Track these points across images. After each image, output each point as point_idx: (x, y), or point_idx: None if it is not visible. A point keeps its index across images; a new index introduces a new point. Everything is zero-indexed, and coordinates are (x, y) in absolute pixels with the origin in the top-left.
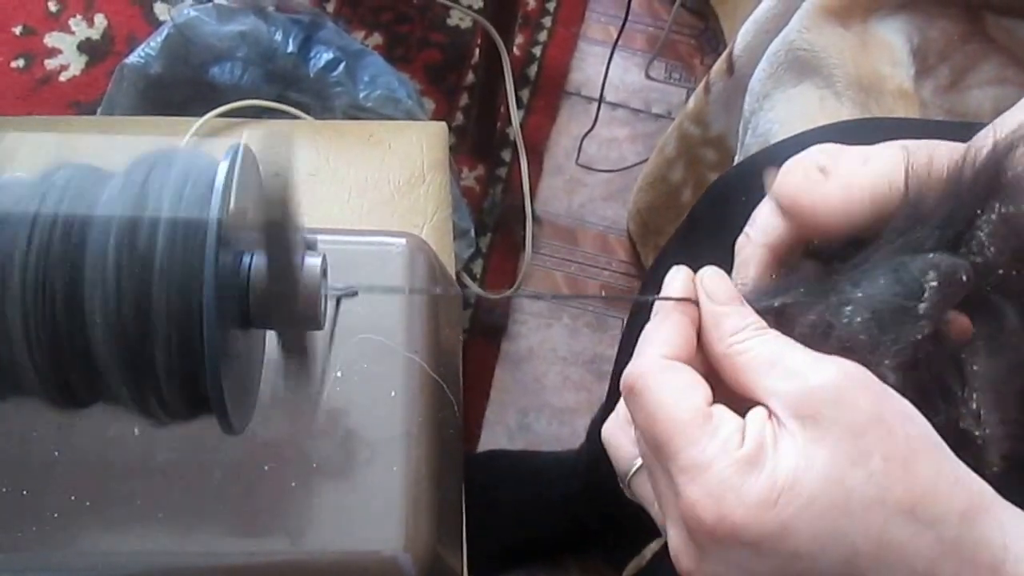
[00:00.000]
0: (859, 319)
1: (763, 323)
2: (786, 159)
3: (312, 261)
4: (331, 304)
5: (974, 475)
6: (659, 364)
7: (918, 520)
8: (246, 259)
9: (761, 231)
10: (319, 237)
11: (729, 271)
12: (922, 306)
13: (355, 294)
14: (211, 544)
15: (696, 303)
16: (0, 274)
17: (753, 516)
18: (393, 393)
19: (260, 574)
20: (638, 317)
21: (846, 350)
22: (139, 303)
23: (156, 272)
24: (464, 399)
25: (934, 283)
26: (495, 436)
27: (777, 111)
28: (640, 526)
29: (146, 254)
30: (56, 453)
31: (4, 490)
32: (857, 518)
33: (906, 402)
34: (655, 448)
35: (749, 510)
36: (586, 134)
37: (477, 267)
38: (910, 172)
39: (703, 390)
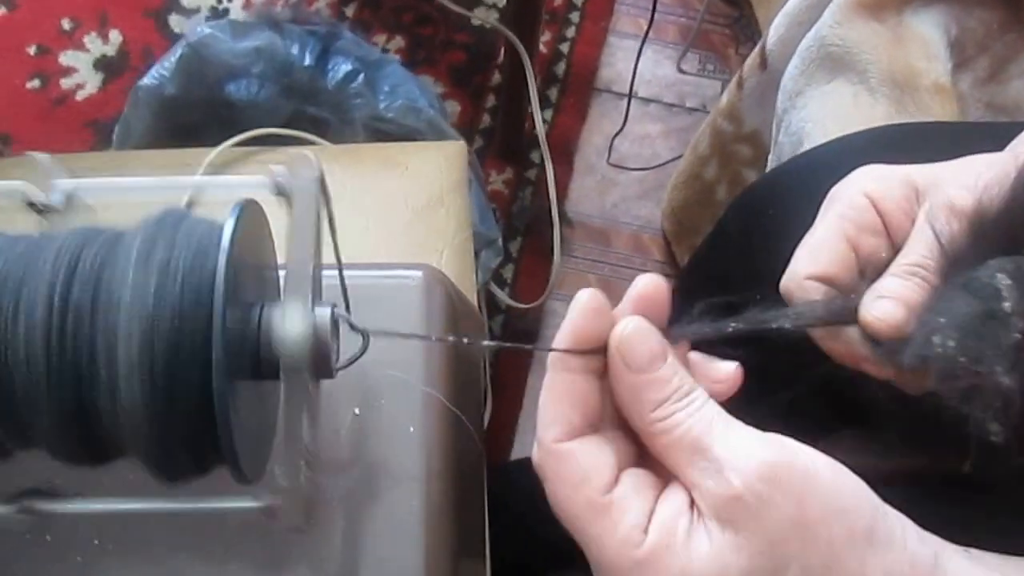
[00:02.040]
0: (951, 343)
1: (689, 384)
2: (815, 170)
3: (322, 311)
4: (345, 354)
5: (912, 550)
6: (551, 452)
7: None
8: (256, 311)
9: (814, 262)
10: (332, 272)
11: (757, 283)
12: (1006, 304)
13: (364, 352)
14: None
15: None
16: (11, 328)
17: None
18: (411, 429)
19: None
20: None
21: (950, 377)
22: (150, 359)
23: (166, 327)
24: (497, 407)
25: (1007, 281)
26: (528, 443)
27: (810, 109)
28: None
29: (156, 310)
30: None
31: (28, 536)
32: None
33: (841, 489)
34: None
35: None
36: (617, 132)
37: (508, 272)
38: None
39: (600, 475)
